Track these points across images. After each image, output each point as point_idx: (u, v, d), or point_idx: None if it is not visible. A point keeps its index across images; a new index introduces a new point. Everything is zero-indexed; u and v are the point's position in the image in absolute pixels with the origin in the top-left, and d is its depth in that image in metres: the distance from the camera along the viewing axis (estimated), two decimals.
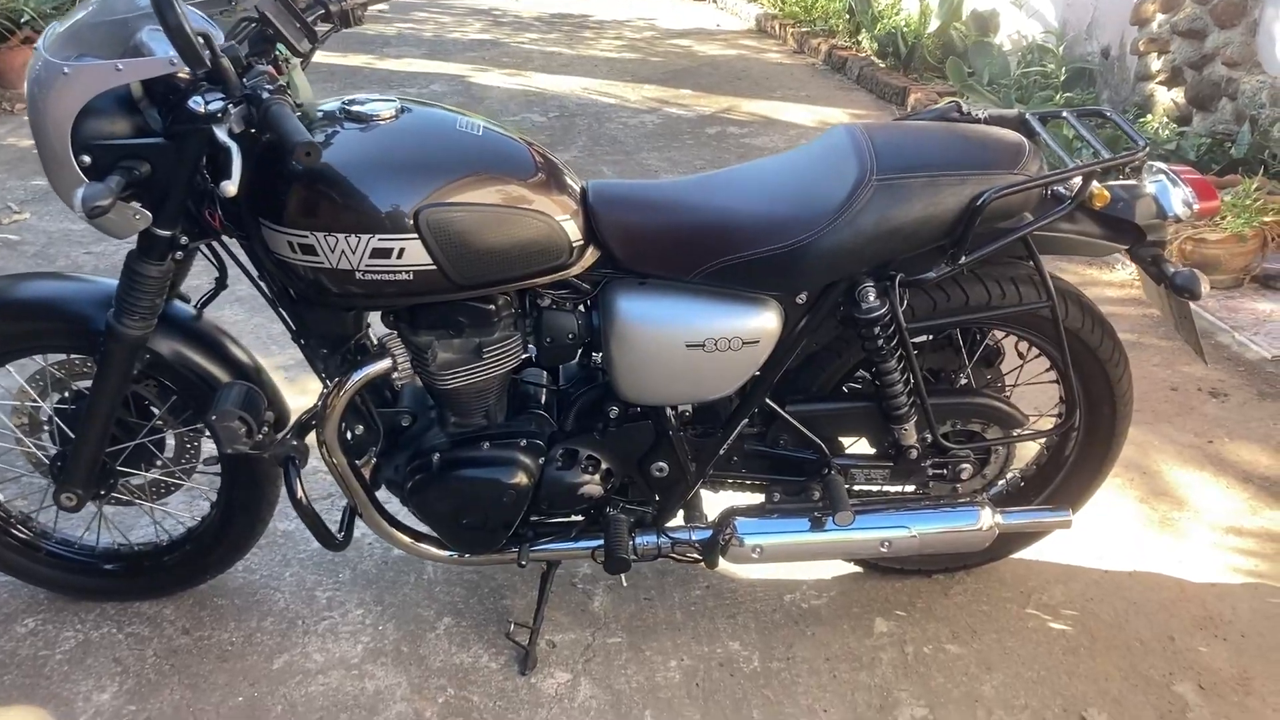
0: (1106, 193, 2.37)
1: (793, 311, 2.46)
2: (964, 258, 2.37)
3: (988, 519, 2.70)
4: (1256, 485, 3.49)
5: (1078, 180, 2.37)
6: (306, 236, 2.11)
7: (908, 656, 2.79)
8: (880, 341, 2.48)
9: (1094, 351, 2.69)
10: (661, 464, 2.65)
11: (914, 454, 2.66)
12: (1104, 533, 3.25)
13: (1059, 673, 2.74)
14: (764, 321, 2.43)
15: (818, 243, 2.31)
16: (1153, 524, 3.29)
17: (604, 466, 2.62)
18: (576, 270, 2.36)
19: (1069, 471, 2.90)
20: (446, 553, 2.68)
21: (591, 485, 2.61)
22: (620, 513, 2.66)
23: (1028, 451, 3.10)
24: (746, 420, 2.62)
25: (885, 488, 2.79)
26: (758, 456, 2.73)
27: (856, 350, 2.64)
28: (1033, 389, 2.87)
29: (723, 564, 2.71)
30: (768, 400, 2.60)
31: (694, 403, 2.61)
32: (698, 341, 2.40)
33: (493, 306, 2.37)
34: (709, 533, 2.72)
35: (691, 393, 2.53)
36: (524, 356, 2.47)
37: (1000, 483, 2.92)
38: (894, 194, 2.29)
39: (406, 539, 2.66)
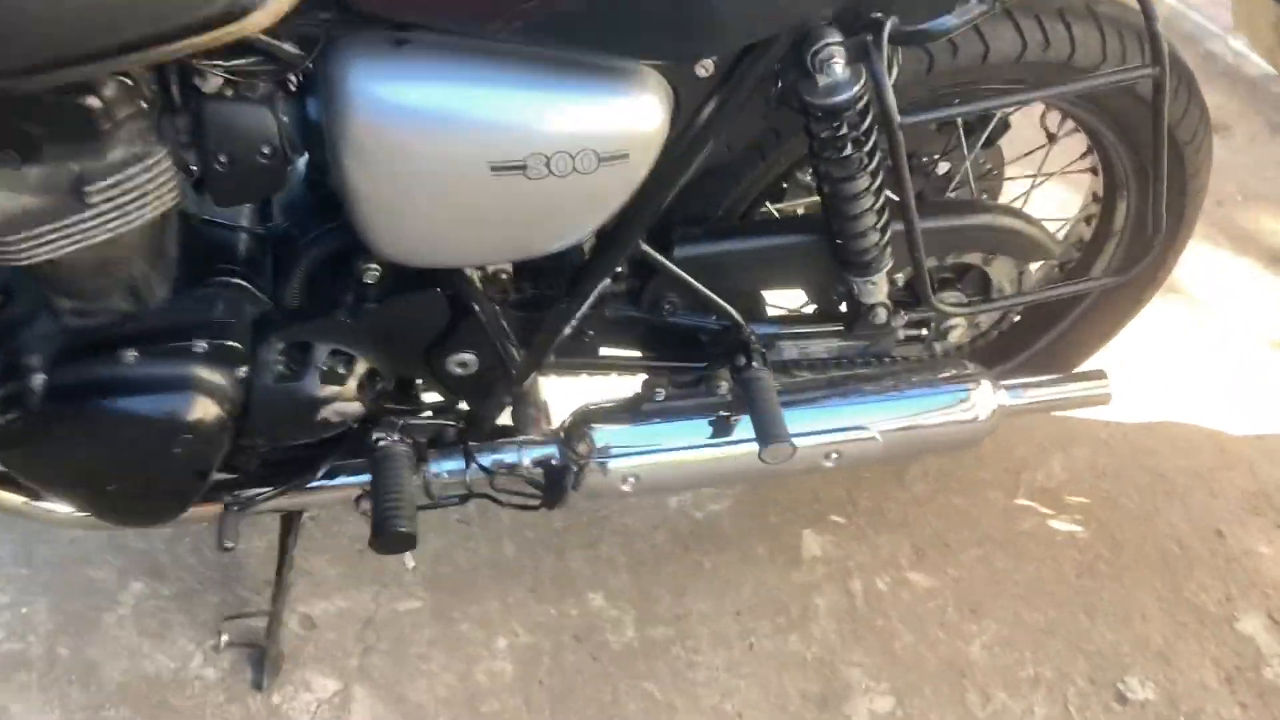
0: None
1: (689, 91, 1.32)
2: None
3: (988, 400, 1.72)
4: None
5: None
6: None
7: (855, 599, 1.87)
8: (849, 142, 1.37)
9: (1179, 150, 1.65)
10: (464, 355, 1.55)
11: (882, 315, 1.62)
12: (1099, 360, 2.31)
13: (1075, 612, 1.86)
14: (638, 115, 1.29)
15: None
16: (1162, 344, 2.35)
17: (360, 367, 1.51)
18: (263, 20, 1.14)
19: (1080, 317, 1.91)
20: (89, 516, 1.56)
21: (341, 400, 1.51)
22: (396, 440, 1.57)
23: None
24: (608, 279, 1.52)
25: (824, 358, 1.76)
26: (627, 330, 1.65)
27: (793, 151, 1.53)
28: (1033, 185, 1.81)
29: (576, 500, 1.67)
30: (643, 245, 1.49)
31: (513, 260, 1.49)
32: (514, 160, 1.25)
33: (96, 101, 1.16)
34: (551, 450, 1.67)
35: (507, 246, 1.41)
36: (175, 192, 1.28)
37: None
38: None
39: (16, 497, 1.54)
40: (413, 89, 1.22)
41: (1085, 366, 1.94)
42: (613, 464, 1.62)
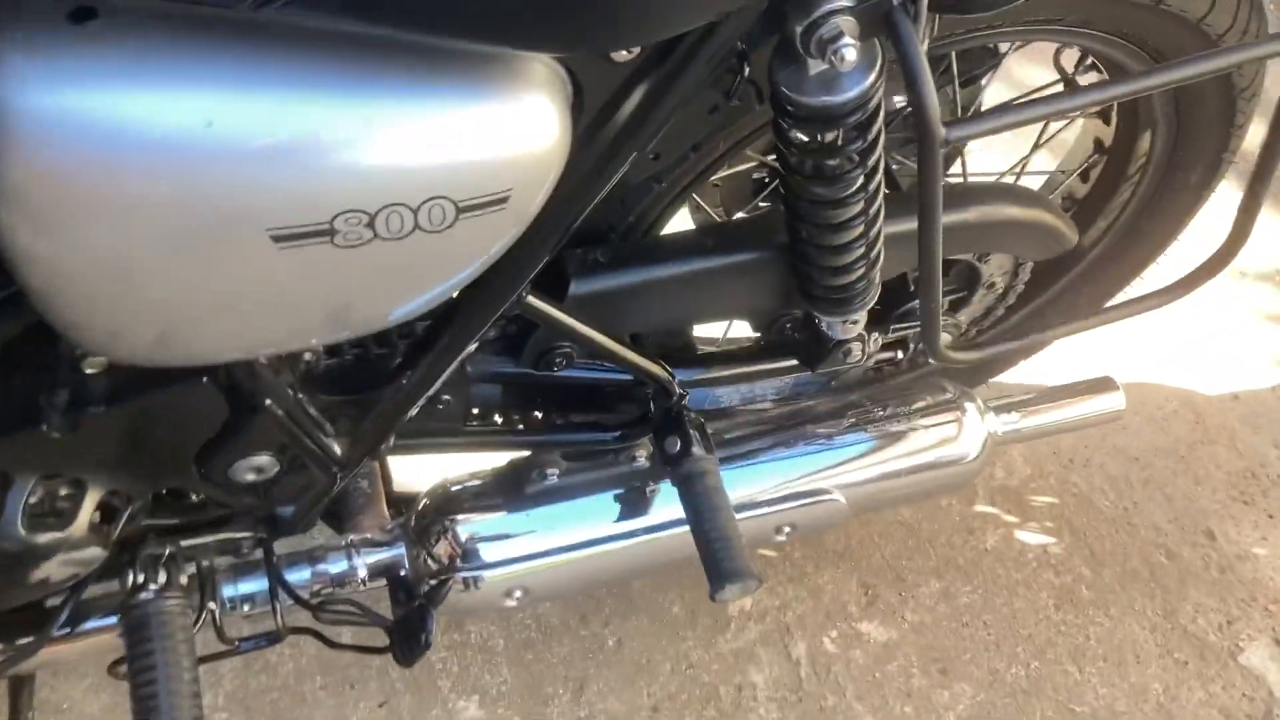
0: None
1: (599, 84, 0.81)
2: None
3: (977, 430, 1.31)
4: None
5: None
6: None
7: (799, 668, 1.47)
8: (847, 158, 0.88)
9: (1229, 80, 1.21)
10: (256, 459, 1.03)
11: (855, 352, 1.16)
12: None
13: (1060, 659, 1.52)
14: (520, 134, 0.77)
15: None
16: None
17: (92, 497, 0.98)
18: None
19: (1081, 274, 1.50)
20: None
21: (67, 548, 0.99)
22: (158, 595, 1.05)
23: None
24: (473, 345, 1.01)
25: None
26: (499, 392, 1.15)
27: (734, 132, 1.03)
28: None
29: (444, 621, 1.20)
30: (526, 296, 0.98)
31: (315, 345, 0.96)
32: (308, 225, 0.73)
33: None
34: (395, 554, 1.18)
35: (303, 332, 0.87)
36: None
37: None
38: None
39: None
40: (103, 98, 0.67)
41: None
42: (490, 575, 1.16)
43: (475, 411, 1.16)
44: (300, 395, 0.99)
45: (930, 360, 1.29)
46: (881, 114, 0.85)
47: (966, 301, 1.32)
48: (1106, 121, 1.35)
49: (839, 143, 0.86)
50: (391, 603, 1.20)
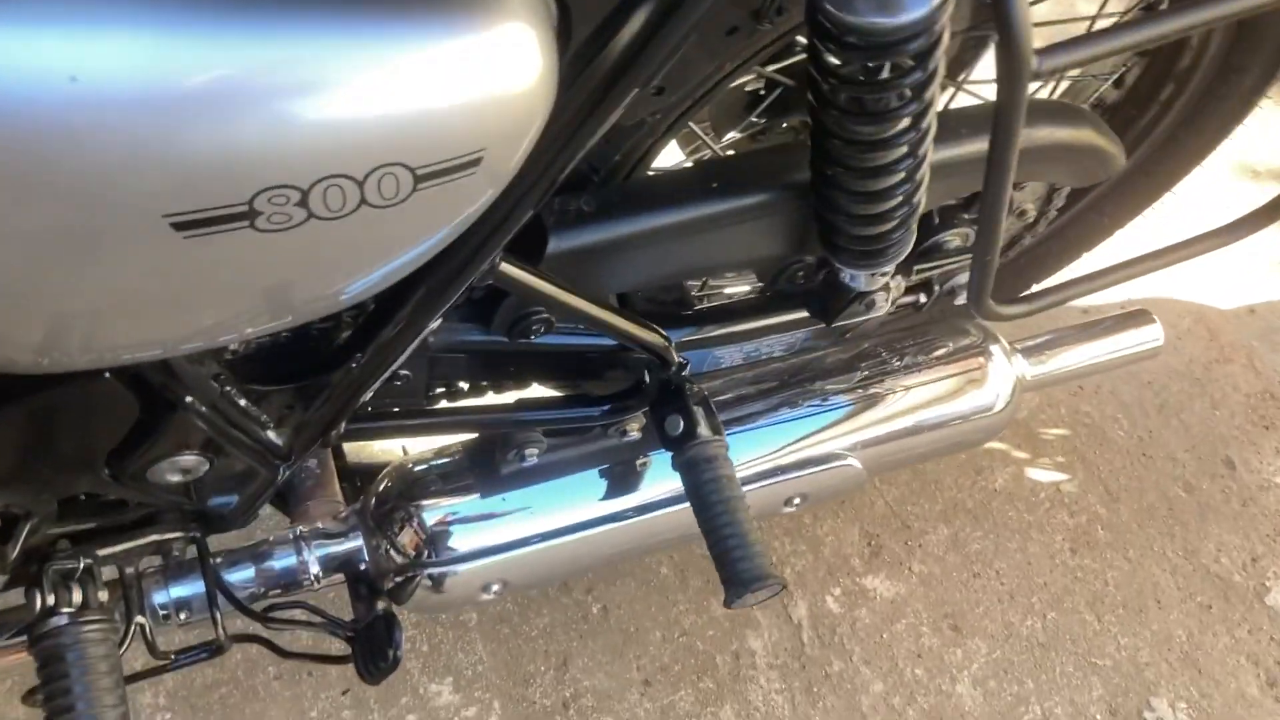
0: None
1: (585, 6, 0.62)
2: None
3: (1004, 374, 1.17)
4: None
5: None
6: None
7: (801, 632, 1.35)
8: (901, 92, 0.71)
9: None
10: (182, 459, 0.86)
11: (880, 302, 1.00)
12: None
13: (1077, 608, 1.41)
14: (494, 78, 0.59)
15: None
16: None
17: None
18: None
19: (1106, 191, 1.34)
20: None
21: None
22: (72, 621, 0.89)
23: None
24: (435, 320, 0.83)
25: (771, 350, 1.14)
26: (468, 365, 0.98)
27: (740, 52, 0.84)
28: None
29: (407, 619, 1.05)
30: (499, 262, 0.80)
31: (246, 338, 0.78)
32: (219, 208, 0.55)
33: None
34: (351, 545, 1.03)
35: (231, 325, 0.70)
36: None
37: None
38: None
39: None
40: None
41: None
42: (462, 569, 1.01)
43: (439, 388, 0.99)
44: (227, 388, 0.81)
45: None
46: (947, 37, 0.68)
47: None
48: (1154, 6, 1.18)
49: (892, 75, 0.68)
50: (351, 599, 1.05)
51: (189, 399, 0.79)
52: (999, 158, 0.70)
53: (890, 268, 0.92)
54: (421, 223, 0.64)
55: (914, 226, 0.88)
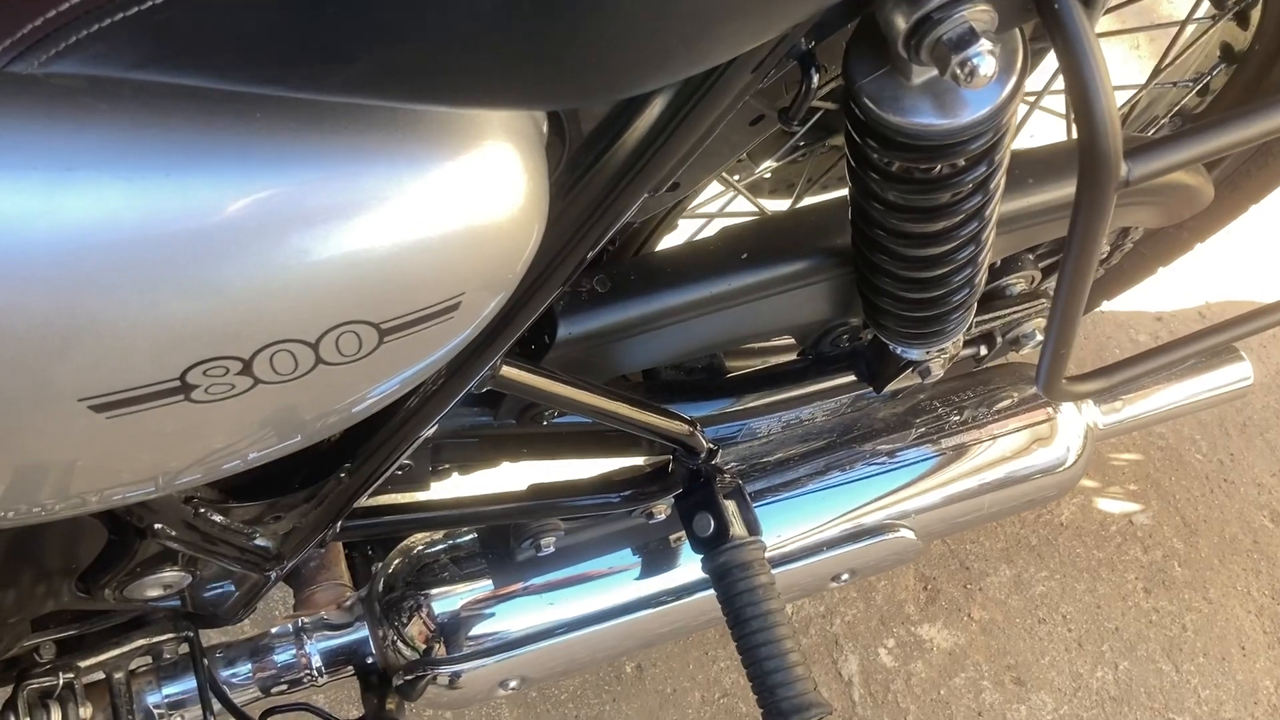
0: None
1: (583, 116, 0.52)
2: None
3: (1074, 425, 1.06)
4: None
5: None
6: None
7: (851, 689, 1.26)
8: (964, 187, 0.59)
9: None
10: (162, 575, 0.78)
11: (935, 370, 0.89)
12: None
13: (1153, 655, 1.30)
14: (473, 231, 0.49)
15: None
16: None
17: None
18: None
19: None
20: None
21: None
22: None
23: None
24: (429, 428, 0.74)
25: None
26: (473, 450, 0.89)
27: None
28: None
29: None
30: (500, 366, 0.71)
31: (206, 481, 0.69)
32: (151, 386, 0.47)
33: None
34: (357, 638, 0.95)
35: (173, 482, 0.61)
36: None
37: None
38: None
39: None
40: None
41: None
42: (475, 668, 0.92)
43: (445, 468, 0.90)
44: (201, 510, 0.73)
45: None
46: (1015, 128, 0.57)
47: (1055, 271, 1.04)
48: (1244, 24, 1.04)
49: (952, 174, 0.57)
50: (361, 690, 0.98)
51: (158, 525, 0.71)
52: (1078, 265, 0.59)
53: (949, 344, 0.81)
54: (392, 369, 0.55)
55: (974, 304, 0.77)
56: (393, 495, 0.89)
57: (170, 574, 0.79)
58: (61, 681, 0.84)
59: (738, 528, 0.82)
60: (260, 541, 0.81)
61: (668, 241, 0.94)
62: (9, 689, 0.87)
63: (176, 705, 0.92)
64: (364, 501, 0.86)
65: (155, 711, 0.92)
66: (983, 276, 0.73)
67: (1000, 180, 0.62)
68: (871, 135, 0.56)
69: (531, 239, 0.53)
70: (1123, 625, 1.32)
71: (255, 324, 0.48)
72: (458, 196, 0.49)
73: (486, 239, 0.51)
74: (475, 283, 0.51)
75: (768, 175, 1.15)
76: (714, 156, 0.65)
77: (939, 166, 0.56)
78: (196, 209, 0.45)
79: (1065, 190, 0.78)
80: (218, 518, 0.75)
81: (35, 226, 0.43)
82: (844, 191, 0.76)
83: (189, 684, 0.92)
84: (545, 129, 0.53)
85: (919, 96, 0.52)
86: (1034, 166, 0.78)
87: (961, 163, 0.56)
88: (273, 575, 0.85)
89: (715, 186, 1.16)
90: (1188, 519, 1.40)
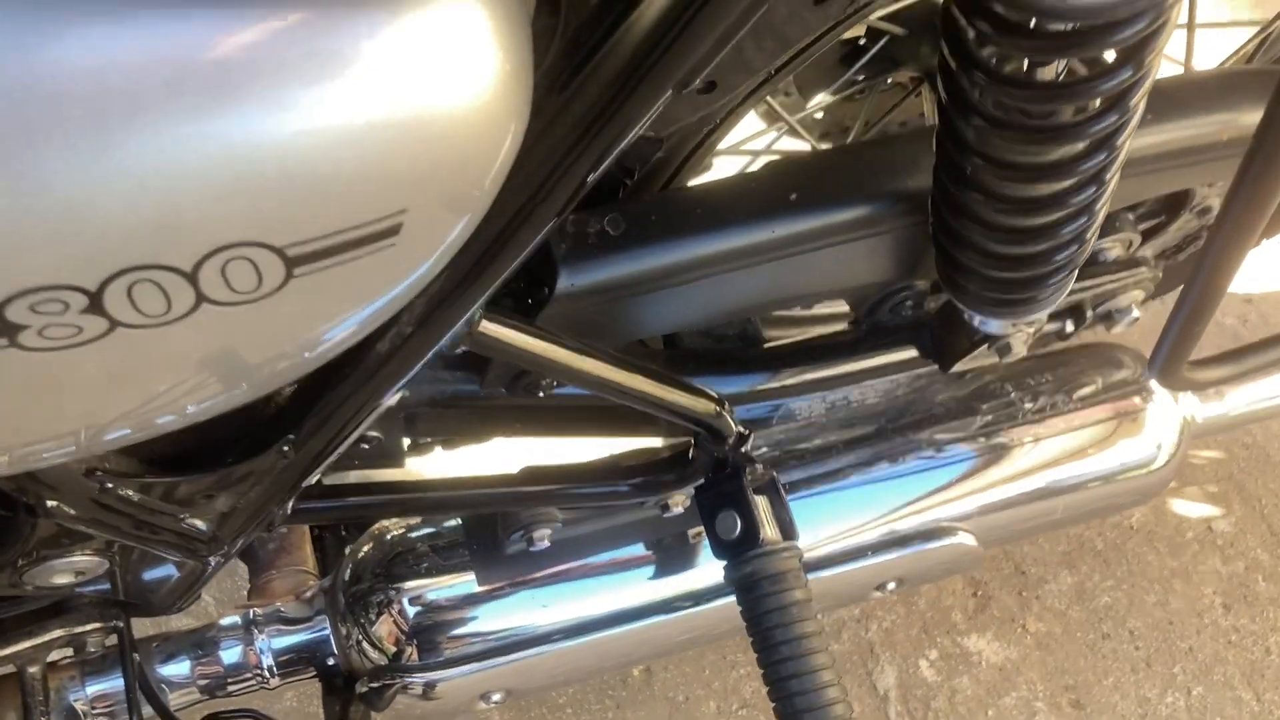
0: None
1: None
2: None
3: (1168, 418, 0.90)
4: None
5: None
6: None
7: (888, 706, 1.12)
8: (1112, 81, 0.44)
9: None
10: (72, 559, 0.64)
11: (1018, 347, 0.74)
12: None
13: (1229, 678, 1.14)
14: (432, 94, 0.34)
15: None
16: None
17: None
18: None
19: None
20: None
21: None
22: None
23: None
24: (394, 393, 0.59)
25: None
26: (458, 422, 0.74)
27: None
28: None
29: None
30: (478, 321, 0.56)
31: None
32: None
33: None
34: (317, 635, 0.81)
35: (35, 451, 0.46)
36: None
37: None
38: None
39: None
40: None
41: None
42: (452, 678, 0.78)
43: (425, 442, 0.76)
44: (109, 486, 0.59)
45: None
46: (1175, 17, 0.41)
47: (1162, 230, 0.88)
48: None
49: (1083, 81, 0.42)
50: (323, 695, 0.84)
51: (52, 503, 0.57)
52: (1246, 214, 0.44)
53: (1040, 316, 0.66)
54: (310, 314, 0.40)
55: (1079, 265, 0.61)
56: (361, 472, 0.75)
57: (83, 559, 0.65)
58: None
59: (769, 530, 0.67)
60: (193, 522, 0.67)
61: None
62: None
63: (103, 702, 0.79)
64: (324, 478, 0.73)
65: (79, 709, 0.79)
66: (1095, 230, 0.58)
67: (1143, 96, 0.46)
68: (985, 15, 0.41)
69: (505, 142, 0.38)
70: (1197, 645, 1.17)
71: (102, 240, 0.34)
72: (399, 70, 0.34)
73: (438, 135, 0.36)
74: (422, 197, 0.37)
75: (818, 115, 1.00)
76: (762, 47, 0.50)
77: (1069, 63, 0.41)
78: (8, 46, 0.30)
79: (1213, 126, 0.63)
80: (133, 494, 0.61)
81: None
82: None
83: (118, 681, 0.79)
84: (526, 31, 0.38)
85: None
86: (1172, 94, 0.63)
87: (1102, 61, 0.41)
88: (212, 562, 0.72)
89: (755, 123, 1.01)
90: (1274, 527, 1.24)
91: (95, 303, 0.35)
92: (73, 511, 0.59)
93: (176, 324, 0.37)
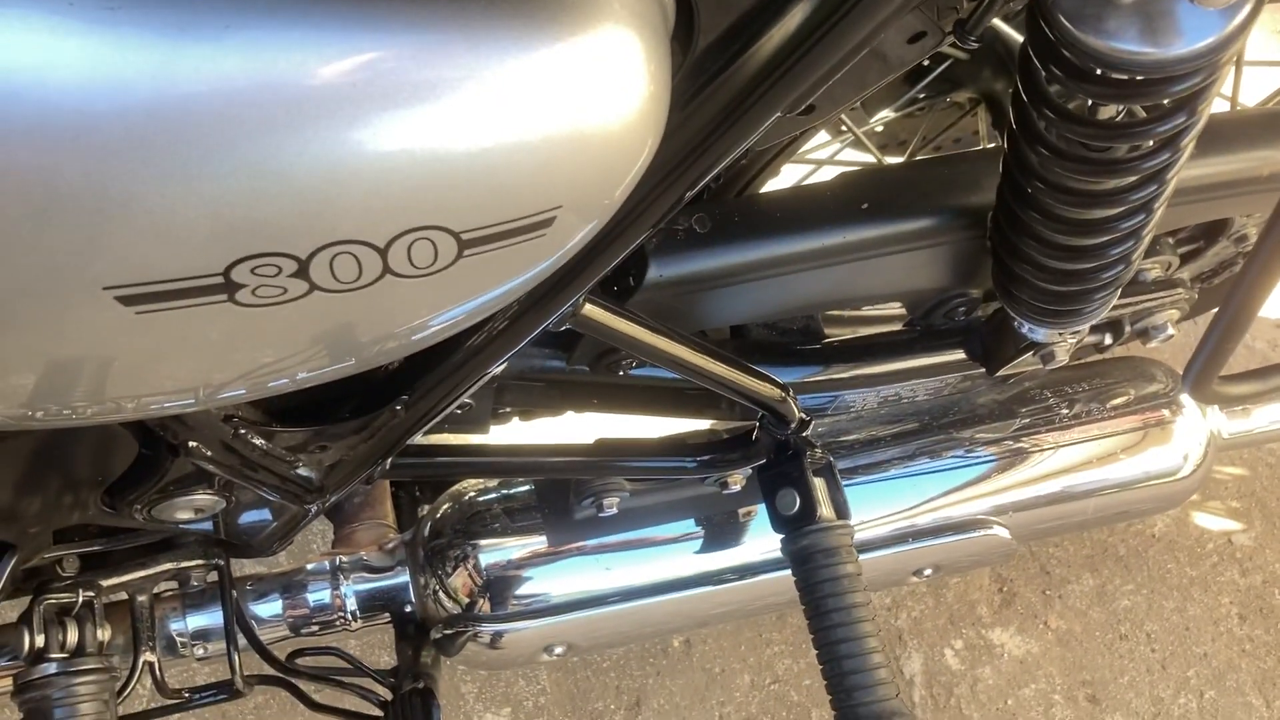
0: None
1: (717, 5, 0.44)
2: None
3: (1196, 430, 0.96)
4: None
5: None
6: None
7: (914, 691, 1.18)
8: (1167, 125, 0.50)
9: None
10: (193, 497, 0.72)
11: (1060, 356, 0.80)
12: None
13: (1242, 688, 1.20)
14: (588, 114, 0.41)
15: None
16: None
17: None
18: None
19: None
20: None
21: None
22: (72, 659, 0.76)
23: None
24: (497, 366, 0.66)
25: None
26: (542, 396, 0.81)
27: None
28: None
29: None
30: (582, 303, 0.63)
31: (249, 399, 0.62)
32: (189, 280, 0.40)
33: None
34: (397, 582, 0.88)
35: (210, 395, 0.53)
36: None
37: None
38: None
39: None
40: None
41: None
42: (520, 629, 0.85)
43: (506, 411, 0.83)
44: (242, 430, 0.66)
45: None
46: (1222, 79, 0.47)
47: (1200, 254, 0.94)
48: None
49: (1141, 123, 0.48)
50: (396, 640, 0.91)
51: (192, 444, 0.64)
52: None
53: (1084, 327, 0.72)
54: (468, 289, 0.47)
55: (1123, 283, 0.67)
56: (448, 435, 0.82)
57: (203, 497, 0.72)
58: (81, 599, 0.79)
59: (826, 509, 0.74)
60: (303, 471, 0.74)
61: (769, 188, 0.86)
62: (27, 600, 0.82)
63: (200, 636, 0.87)
64: (417, 439, 0.80)
65: (178, 640, 0.87)
66: (1141, 253, 0.64)
67: (1194, 138, 0.52)
68: (1056, 61, 0.47)
69: (644, 151, 0.45)
70: (1212, 651, 1.22)
71: (317, 219, 0.40)
72: (567, 88, 0.41)
73: (594, 145, 0.43)
74: (574, 197, 0.44)
75: (879, 128, 1.06)
76: (860, 77, 0.56)
77: (1128, 109, 0.47)
78: (257, 72, 0.37)
79: (1254, 162, 0.68)
80: (259, 441, 0.69)
81: (66, 76, 0.36)
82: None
83: (215, 615, 0.86)
84: (672, 17, 0.45)
85: (1127, 17, 0.43)
86: (1218, 130, 0.69)
87: (1159, 106, 0.47)
88: (313, 509, 0.79)
89: (822, 134, 1.07)
90: None
91: (303, 269, 0.41)
92: (208, 453, 0.66)
93: (361, 291, 0.43)
